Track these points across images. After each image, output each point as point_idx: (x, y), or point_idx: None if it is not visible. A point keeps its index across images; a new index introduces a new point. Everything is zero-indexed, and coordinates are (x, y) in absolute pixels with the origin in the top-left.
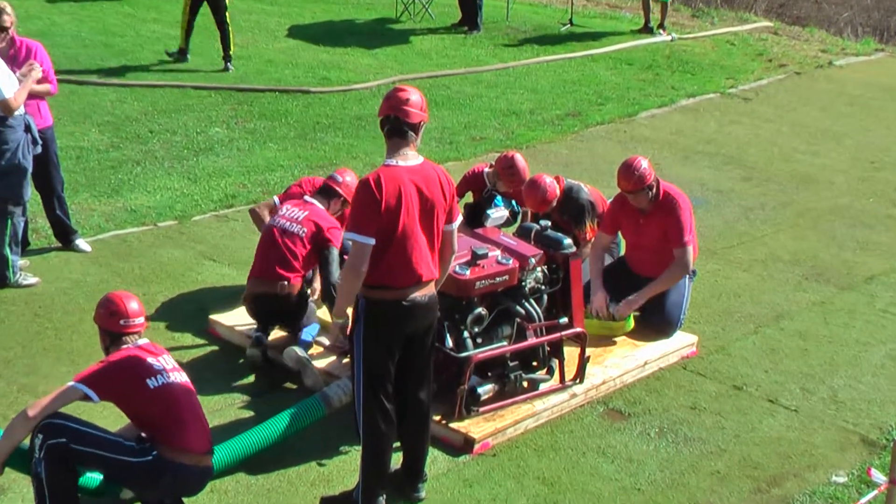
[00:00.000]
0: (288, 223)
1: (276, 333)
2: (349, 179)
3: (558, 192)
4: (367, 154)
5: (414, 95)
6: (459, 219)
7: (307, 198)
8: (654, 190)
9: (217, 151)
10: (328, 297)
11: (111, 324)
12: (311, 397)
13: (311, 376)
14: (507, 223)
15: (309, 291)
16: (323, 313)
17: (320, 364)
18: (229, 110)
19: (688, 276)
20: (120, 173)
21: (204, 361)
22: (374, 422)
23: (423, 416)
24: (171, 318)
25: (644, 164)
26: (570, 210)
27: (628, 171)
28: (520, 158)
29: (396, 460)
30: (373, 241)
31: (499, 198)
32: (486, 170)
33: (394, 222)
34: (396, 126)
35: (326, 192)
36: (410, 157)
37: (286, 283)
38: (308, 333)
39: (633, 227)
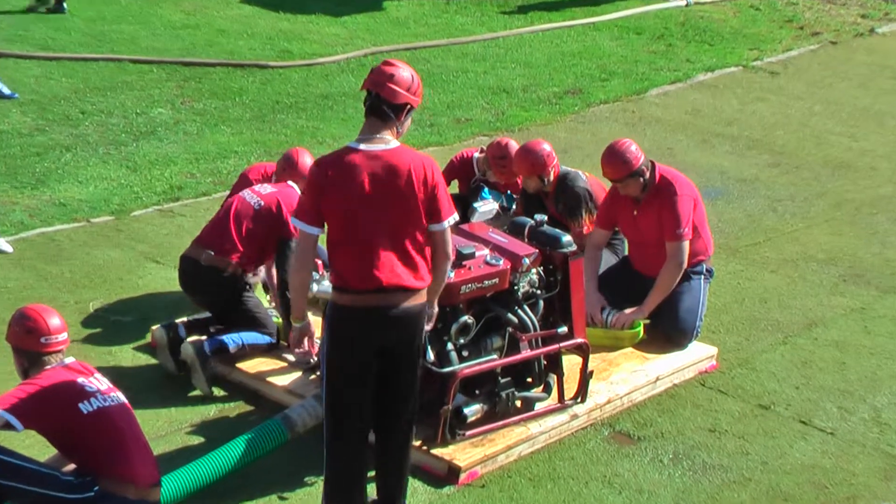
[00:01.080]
0: (250, 194)
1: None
2: (306, 160)
3: (556, 168)
4: (335, 138)
5: (404, 72)
6: (452, 218)
7: (291, 182)
8: (647, 176)
9: (160, 135)
10: (282, 299)
11: (29, 343)
12: (271, 420)
13: (198, 381)
14: (497, 218)
15: (269, 299)
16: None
17: (282, 381)
18: (174, 88)
19: (703, 277)
20: (46, 161)
21: (145, 381)
22: (334, 449)
23: (398, 447)
24: (107, 331)
25: (631, 146)
26: (565, 199)
27: (612, 157)
28: (515, 146)
29: (373, 490)
30: (316, 231)
31: (486, 189)
32: (477, 155)
33: (337, 214)
34: (376, 104)
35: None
36: (377, 142)
37: (212, 253)
38: (236, 338)
39: (629, 221)
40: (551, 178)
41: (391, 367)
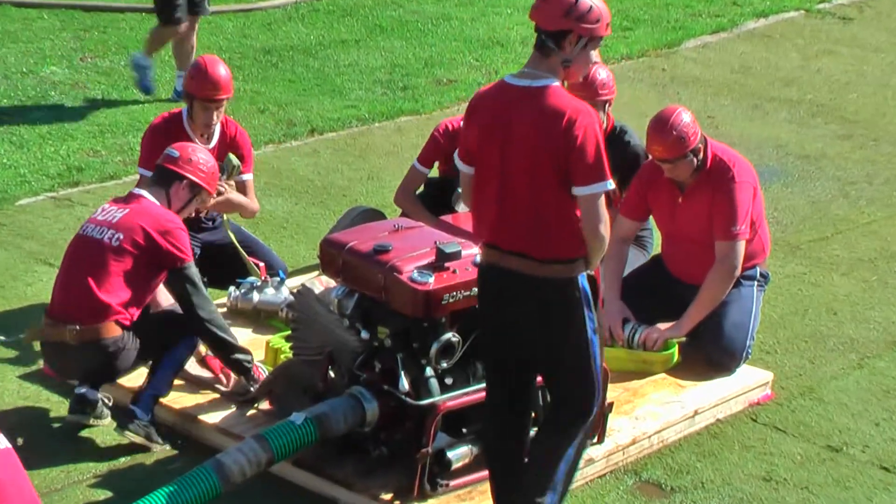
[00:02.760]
0: (96, 228)
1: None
2: (199, 157)
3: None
4: (281, 106)
5: None
6: (605, 185)
7: (136, 189)
8: (701, 155)
9: (54, 102)
10: (229, 364)
11: None
12: (198, 468)
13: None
14: None
15: (221, 376)
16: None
17: (213, 418)
18: (71, 40)
19: (756, 284)
20: None
21: (34, 418)
22: (487, 420)
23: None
24: None
25: (686, 117)
26: (623, 157)
27: (663, 131)
28: None
29: None
30: (467, 170)
31: None
32: None
33: (470, 152)
34: (537, 35)
35: (162, 176)
36: (527, 76)
37: (77, 327)
38: (163, 376)
39: (668, 210)
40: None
41: (506, 343)
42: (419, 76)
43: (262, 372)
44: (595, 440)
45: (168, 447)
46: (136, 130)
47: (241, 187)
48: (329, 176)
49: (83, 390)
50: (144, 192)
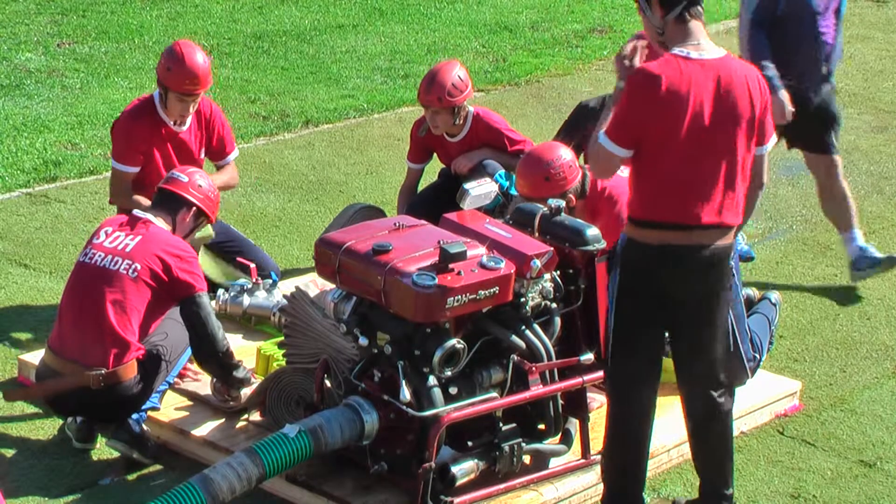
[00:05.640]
0: (107, 257)
1: None
2: (202, 183)
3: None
4: (273, 95)
5: None
6: (773, 140)
7: (139, 212)
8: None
9: (29, 91)
10: (220, 374)
11: None
12: (184, 484)
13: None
14: (496, 203)
15: (228, 398)
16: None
17: (201, 431)
18: (48, 24)
19: (774, 303)
20: None
21: (8, 430)
22: (624, 403)
23: (719, 424)
24: None
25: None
26: None
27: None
28: None
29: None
30: (623, 153)
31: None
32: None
33: (669, 133)
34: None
35: (166, 201)
36: (706, 48)
37: (101, 372)
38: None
39: None
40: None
41: (690, 324)
42: (421, 63)
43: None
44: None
45: (152, 460)
46: None
47: (226, 167)
48: (325, 170)
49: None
50: (150, 217)
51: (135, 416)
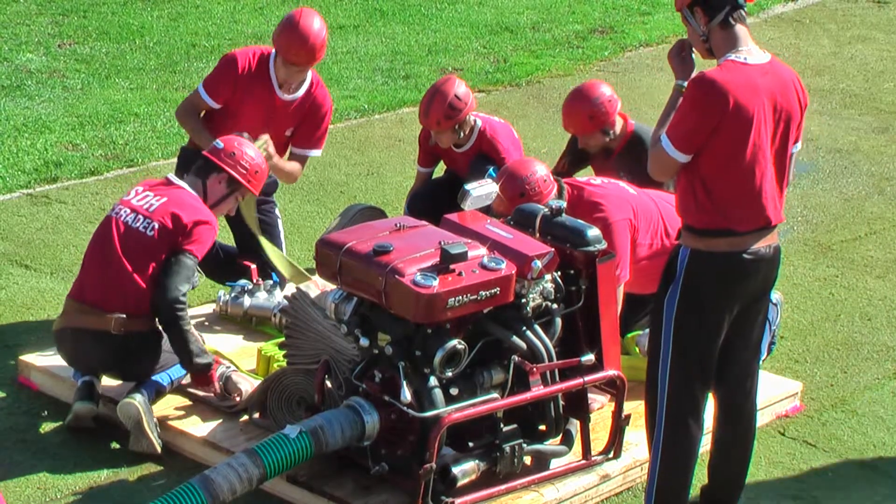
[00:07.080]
0: (132, 214)
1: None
2: (243, 151)
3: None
4: None
5: None
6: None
7: (172, 176)
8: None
9: (30, 92)
10: (173, 335)
11: None
12: (185, 484)
13: (145, 444)
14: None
15: (233, 395)
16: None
17: (200, 430)
18: (49, 25)
19: (775, 303)
20: None
21: (6, 431)
22: (682, 424)
23: (748, 421)
24: None
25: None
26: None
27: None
28: None
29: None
30: (686, 160)
31: (493, 168)
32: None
33: (739, 140)
34: (737, 6)
35: (201, 166)
36: (755, 53)
37: (123, 317)
38: (165, 375)
39: None
40: (617, 130)
41: (745, 323)
42: (422, 64)
43: (220, 381)
44: (611, 455)
45: (160, 447)
46: (117, 122)
47: (301, 160)
48: (325, 171)
49: (87, 378)
50: (182, 182)
51: (144, 389)
